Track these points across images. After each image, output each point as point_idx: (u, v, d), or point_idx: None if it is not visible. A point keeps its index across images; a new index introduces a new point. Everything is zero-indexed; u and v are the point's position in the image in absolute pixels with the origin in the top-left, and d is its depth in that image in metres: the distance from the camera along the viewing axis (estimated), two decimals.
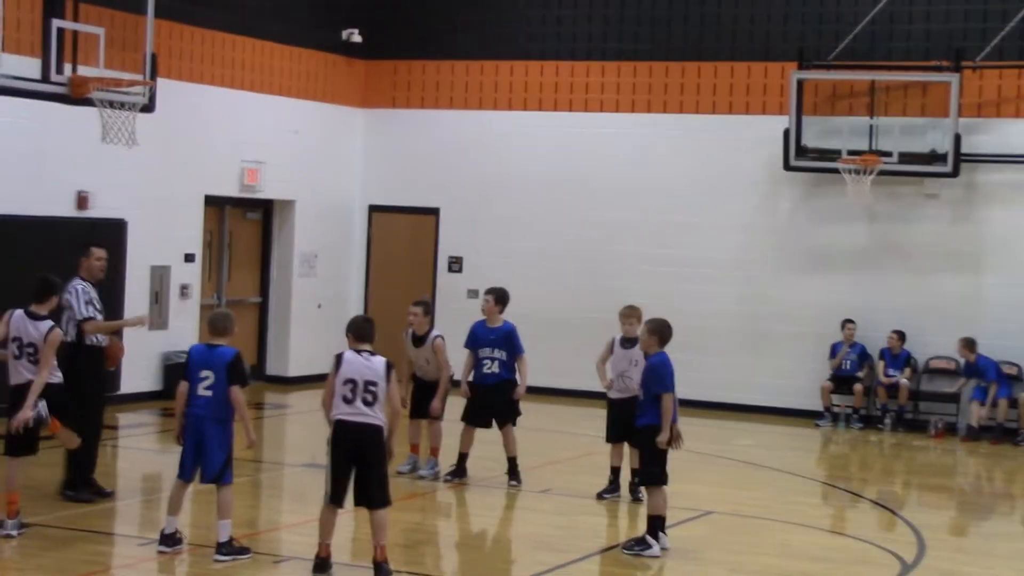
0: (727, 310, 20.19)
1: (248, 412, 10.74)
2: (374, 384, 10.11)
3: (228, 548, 10.54)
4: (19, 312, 11.28)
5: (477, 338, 13.98)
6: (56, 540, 11.01)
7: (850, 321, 19.33)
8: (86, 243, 12.84)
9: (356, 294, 22.34)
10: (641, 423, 11.60)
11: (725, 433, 18.49)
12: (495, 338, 13.90)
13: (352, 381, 10.12)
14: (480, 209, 21.57)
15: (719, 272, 20.26)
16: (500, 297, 14.00)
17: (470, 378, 14.03)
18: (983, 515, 14.71)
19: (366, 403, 10.08)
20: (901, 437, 18.71)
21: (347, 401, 10.11)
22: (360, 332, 10.35)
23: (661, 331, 11.57)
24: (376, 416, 10.12)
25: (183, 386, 10.69)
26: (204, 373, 10.55)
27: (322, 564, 10.20)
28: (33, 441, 11.22)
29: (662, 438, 11.35)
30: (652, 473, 11.55)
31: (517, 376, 14.03)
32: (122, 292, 17.89)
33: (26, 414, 10.93)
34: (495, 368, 13.91)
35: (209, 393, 10.54)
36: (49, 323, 11.21)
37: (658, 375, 11.45)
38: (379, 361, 10.21)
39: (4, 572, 10.32)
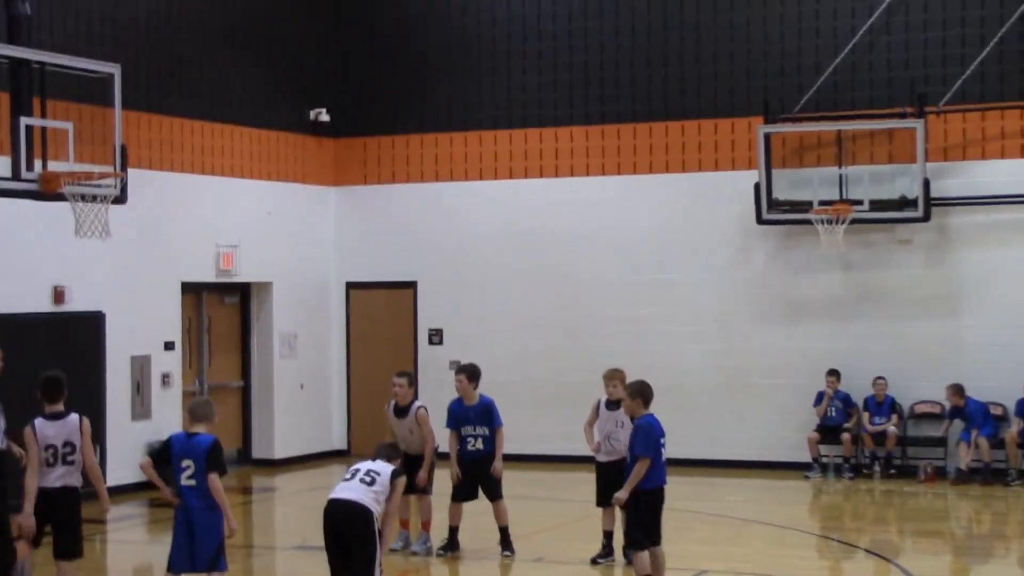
0: (708, 365, 20.20)
1: (227, 499, 10.58)
2: (377, 472, 10.38)
3: None
4: (39, 420, 11.00)
5: (457, 417, 13.94)
6: None
7: (832, 373, 19.35)
8: None
9: (338, 372, 22.30)
10: None
11: (714, 490, 18.44)
12: (474, 415, 13.87)
13: (358, 468, 10.47)
14: (457, 280, 21.59)
15: (698, 329, 20.29)
16: (472, 374, 13.97)
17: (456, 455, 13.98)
18: (979, 559, 14.67)
19: (363, 482, 10.25)
20: (891, 484, 18.69)
21: (345, 480, 10.33)
22: (379, 452, 10.78)
23: (643, 393, 11.58)
24: (367, 498, 10.15)
25: (146, 460, 10.87)
26: (185, 463, 10.49)
27: None
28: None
29: (621, 494, 11.33)
30: (633, 537, 11.52)
31: None
32: (103, 384, 17.84)
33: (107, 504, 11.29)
34: (479, 444, 13.87)
35: (193, 482, 10.46)
36: (74, 415, 11.04)
37: (643, 436, 11.44)
38: (391, 466, 10.55)
39: None
